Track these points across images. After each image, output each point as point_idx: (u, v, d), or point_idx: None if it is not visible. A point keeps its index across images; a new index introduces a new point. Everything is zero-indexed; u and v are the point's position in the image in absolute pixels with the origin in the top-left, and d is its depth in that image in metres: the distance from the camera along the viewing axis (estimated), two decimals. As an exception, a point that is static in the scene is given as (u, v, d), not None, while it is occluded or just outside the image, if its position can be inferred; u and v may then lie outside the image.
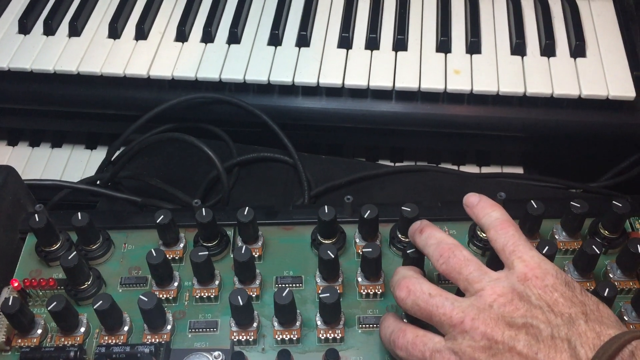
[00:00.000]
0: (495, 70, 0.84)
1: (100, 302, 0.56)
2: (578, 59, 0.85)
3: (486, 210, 0.58)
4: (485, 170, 0.97)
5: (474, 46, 0.87)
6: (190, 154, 0.90)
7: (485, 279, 0.52)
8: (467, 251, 0.55)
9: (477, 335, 0.49)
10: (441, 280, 0.63)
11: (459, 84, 0.84)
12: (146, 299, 0.56)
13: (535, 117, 0.85)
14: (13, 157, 1.04)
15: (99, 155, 1.03)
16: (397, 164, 0.98)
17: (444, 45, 0.88)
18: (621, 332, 0.46)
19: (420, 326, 0.54)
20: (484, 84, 0.83)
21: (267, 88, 0.88)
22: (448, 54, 0.87)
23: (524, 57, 0.86)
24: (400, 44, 0.89)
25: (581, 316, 0.48)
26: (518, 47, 0.86)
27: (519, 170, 0.97)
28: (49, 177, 0.99)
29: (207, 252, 0.60)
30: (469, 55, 0.87)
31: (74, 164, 1.02)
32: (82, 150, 1.04)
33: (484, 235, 0.64)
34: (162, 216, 0.62)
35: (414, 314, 0.54)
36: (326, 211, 0.63)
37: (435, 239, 0.56)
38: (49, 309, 0.56)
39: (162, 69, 0.88)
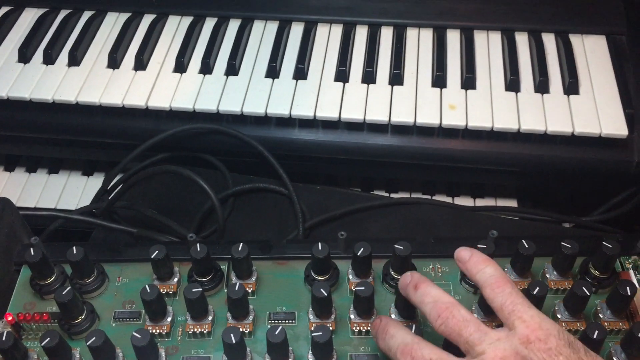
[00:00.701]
0: (490, 106, 0.85)
1: (94, 338, 0.56)
2: (571, 96, 0.86)
3: (479, 267, 0.57)
4: (480, 202, 0.98)
5: (469, 82, 0.88)
6: (186, 184, 0.90)
7: (487, 341, 0.51)
8: (465, 310, 0.54)
9: None
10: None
11: (454, 119, 0.85)
12: (139, 336, 0.56)
13: (529, 152, 0.86)
14: (10, 183, 1.04)
15: (95, 181, 1.04)
16: (392, 195, 0.99)
17: (439, 80, 0.89)
18: None
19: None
20: (479, 120, 0.84)
21: (264, 120, 0.89)
22: (443, 89, 0.88)
23: (518, 94, 0.87)
24: (396, 79, 0.90)
25: None
26: (512, 84, 0.87)
27: (513, 202, 0.98)
28: (46, 203, 1.00)
29: (201, 289, 0.60)
30: (464, 91, 0.88)
31: (71, 191, 1.03)
32: (79, 177, 1.05)
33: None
34: (157, 251, 0.63)
35: None
36: (320, 248, 0.64)
37: (431, 297, 0.55)
38: (42, 344, 0.56)
39: (161, 100, 0.89)
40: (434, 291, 0.56)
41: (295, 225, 0.85)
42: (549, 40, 0.93)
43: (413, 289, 0.57)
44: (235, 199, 0.90)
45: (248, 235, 0.86)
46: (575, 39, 0.93)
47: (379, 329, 0.58)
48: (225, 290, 0.66)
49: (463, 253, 0.59)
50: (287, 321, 0.64)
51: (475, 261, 0.58)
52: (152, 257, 0.63)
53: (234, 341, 0.56)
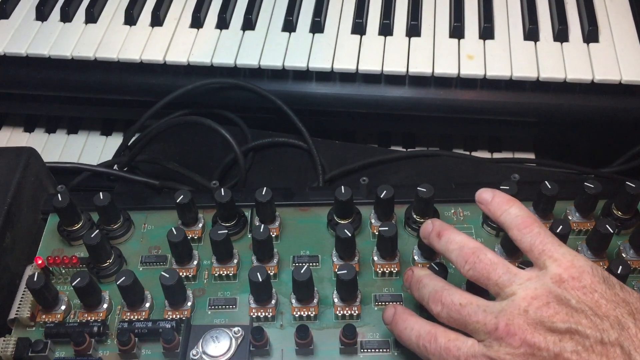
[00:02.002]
0: (509, 56, 0.85)
1: (123, 278, 0.57)
2: (591, 44, 0.85)
3: (503, 207, 0.55)
4: (497, 155, 0.98)
5: (487, 31, 0.88)
6: (204, 139, 0.91)
7: (517, 282, 0.50)
8: (492, 253, 0.53)
9: (515, 341, 0.47)
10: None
11: (472, 68, 0.84)
12: (168, 275, 0.57)
13: (547, 102, 0.85)
14: (29, 143, 1.05)
15: (114, 141, 1.04)
16: (408, 150, 0.99)
17: (457, 31, 0.88)
18: None
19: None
20: (498, 69, 0.84)
21: (282, 73, 0.89)
22: (461, 40, 0.88)
23: (537, 43, 0.86)
24: (413, 30, 0.89)
25: (628, 317, 0.46)
26: (531, 33, 0.87)
27: (531, 156, 0.98)
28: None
29: (226, 231, 0.61)
30: (482, 41, 0.87)
31: (90, 150, 1.04)
32: (98, 137, 1.06)
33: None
34: (182, 196, 0.64)
35: (451, 325, 0.52)
36: (343, 191, 0.64)
37: (456, 243, 0.54)
38: (73, 284, 0.57)
39: (178, 55, 0.89)
40: (458, 237, 0.55)
41: (314, 179, 0.85)
42: (568, -11, 0.92)
43: (436, 237, 0.56)
44: (255, 154, 0.90)
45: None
46: (594, -13, 0.92)
47: (412, 280, 0.57)
48: (249, 235, 0.67)
49: (485, 195, 0.57)
50: (311, 264, 0.65)
51: (498, 202, 0.56)
52: (178, 201, 0.63)
53: (260, 279, 0.57)
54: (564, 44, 0.86)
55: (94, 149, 1.04)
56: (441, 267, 0.59)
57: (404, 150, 0.99)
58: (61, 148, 1.04)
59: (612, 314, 0.46)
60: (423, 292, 0.55)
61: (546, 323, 0.47)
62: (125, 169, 0.87)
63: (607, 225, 0.60)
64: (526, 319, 0.48)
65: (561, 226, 0.60)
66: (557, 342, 0.46)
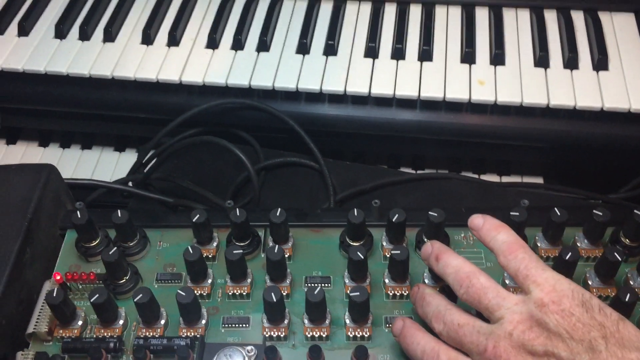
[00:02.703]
0: (519, 82, 0.86)
1: (141, 295, 0.58)
2: (600, 72, 0.87)
3: (492, 234, 0.57)
4: (506, 179, 0.99)
5: (498, 58, 0.89)
6: (217, 157, 0.92)
7: (505, 306, 0.53)
8: (484, 277, 0.55)
9: None
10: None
11: (483, 94, 0.86)
12: (184, 294, 0.58)
13: (557, 128, 0.87)
14: (44, 158, 1.07)
15: (127, 157, 1.06)
16: (418, 172, 1.01)
17: (468, 56, 0.90)
18: None
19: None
20: (508, 95, 0.85)
21: (295, 95, 0.91)
22: (472, 65, 0.90)
23: (547, 69, 0.88)
24: (425, 54, 0.91)
25: (601, 341, 0.48)
26: (541, 60, 0.88)
27: (539, 180, 0.99)
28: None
29: (241, 251, 0.62)
30: (493, 67, 0.89)
31: (103, 166, 1.05)
32: (111, 152, 1.07)
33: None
34: (198, 215, 0.65)
35: (449, 343, 0.55)
36: (356, 214, 0.65)
37: (452, 267, 0.57)
38: (91, 300, 0.58)
39: (194, 75, 0.91)
40: (454, 261, 0.57)
41: (325, 199, 0.86)
42: (578, 18, 0.94)
43: (435, 260, 0.59)
44: (266, 174, 0.91)
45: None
46: (604, 16, 0.93)
47: (416, 296, 0.60)
48: (263, 255, 0.68)
49: (476, 221, 0.59)
50: (323, 284, 0.66)
51: (487, 228, 0.58)
52: (194, 220, 0.65)
53: (274, 299, 0.58)
54: (574, 71, 0.87)
55: (107, 165, 1.05)
56: (452, 291, 0.60)
57: (414, 172, 1.00)
58: (75, 163, 1.06)
59: (587, 338, 0.48)
60: (427, 310, 0.58)
61: (527, 346, 0.50)
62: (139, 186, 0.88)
63: (615, 253, 0.61)
64: (510, 342, 0.51)
65: (570, 253, 0.61)
66: None
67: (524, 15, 0.96)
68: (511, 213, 0.65)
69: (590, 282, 0.64)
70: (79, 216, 0.64)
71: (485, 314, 0.54)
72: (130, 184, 0.89)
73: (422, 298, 0.59)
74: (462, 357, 0.54)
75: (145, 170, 0.88)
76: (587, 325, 0.49)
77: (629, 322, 0.50)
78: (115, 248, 0.62)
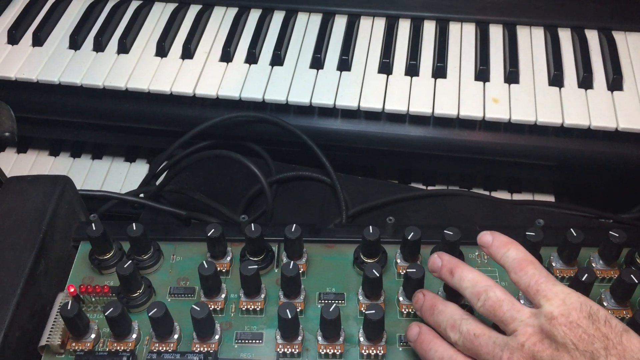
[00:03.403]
0: (533, 100, 0.87)
1: (155, 309, 0.58)
2: (615, 92, 0.87)
3: (501, 251, 0.58)
4: (517, 196, 0.99)
5: (512, 76, 0.89)
6: (229, 171, 0.92)
7: (518, 319, 0.54)
8: (500, 290, 0.56)
9: None
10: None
11: (497, 112, 0.86)
12: (199, 309, 0.58)
13: (570, 147, 0.86)
14: (54, 167, 1.07)
15: (137, 167, 1.06)
16: (429, 188, 1.00)
17: (482, 74, 0.90)
18: None
19: None
20: (522, 114, 0.85)
21: (308, 109, 0.91)
22: (486, 83, 0.90)
23: (562, 89, 0.88)
24: (439, 71, 0.91)
25: (602, 352, 0.50)
26: (556, 79, 0.88)
27: (551, 198, 0.99)
28: (90, 188, 1.02)
29: (256, 266, 0.62)
30: (507, 85, 0.89)
31: (114, 176, 1.05)
32: (122, 163, 1.08)
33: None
34: (213, 230, 0.65)
35: (465, 352, 0.56)
36: (371, 231, 0.65)
37: (468, 281, 0.58)
38: (106, 314, 0.58)
39: (208, 88, 0.91)
40: (470, 275, 0.58)
41: (336, 214, 0.86)
42: (592, 37, 0.94)
43: (449, 274, 0.59)
44: (278, 187, 0.91)
45: (290, 222, 0.87)
46: (618, 36, 0.94)
47: (424, 304, 0.60)
48: (276, 270, 0.68)
49: (485, 238, 0.60)
50: (336, 301, 0.65)
51: (497, 245, 0.59)
52: (209, 234, 0.64)
53: (289, 316, 0.58)
54: (589, 91, 0.87)
55: (117, 175, 1.06)
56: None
57: (425, 187, 1.00)
58: (85, 173, 1.06)
59: (590, 349, 0.50)
60: (440, 319, 0.59)
61: (536, 357, 0.52)
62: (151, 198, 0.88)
63: (632, 275, 0.61)
64: (522, 354, 0.52)
65: (586, 275, 0.61)
66: None
67: (539, 33, 0.96)
68: (527, 233, 0.65)
69: (605, 304, 0.64)
70: (94, 228, 0.64)
71: (500, 325, 0.56)
72: (142, 195, 0.89)
73: (434, 306, 0.60)
74: None
75: (160, 181, 0.88)
76: (592, 336, 0.51)
77: (634, 334, 0.52)
78: (130, 261, 0.61)
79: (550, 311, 0.53)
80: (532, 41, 0.95)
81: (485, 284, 0.57)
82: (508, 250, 0.58)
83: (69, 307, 0.58)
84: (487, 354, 0.54)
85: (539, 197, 0.99)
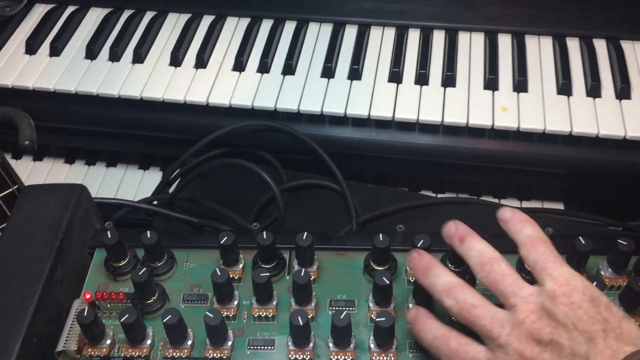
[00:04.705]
0: (542, 109, 0.87)
1: (170, 316, 0.59)
2: (623, 101, 0.87)
3: (517, 227, 0.59)
4: (526, 204, 1.00)
5: (521, 85, 0.90)
6: (241, 179, 0.94)
7: (520, 295, 0.55)
8: (505, 265, 0.57)
9: (511, 350, 0.53)
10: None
11: (506, 120, 0.87)
12: (212, 316, 0.59)
13: (578, 155, 0.87)
14: (70, 175, 1.09)
15: (151, 175, 1.08)
16: (438, 195, 1.01)
17: (491, 83, 0.91)
18: (637, 350, 0.49)
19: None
20: (531, 122, 0.86)
21: (319, 118, 0.92)
22: (495, 92, 0.91)
23: (570, 97, 0.89)
24: (449, 80, 0.92)
25: (601, 333, 0.50)
26: (564, 87, 0.89)
27: (560, 205, 0.99)
28: (104, 195, 1.04)
29: (268, 274, 0.63)
30: (516, 94, 0.90)
31: (128, 184, 1.07)
32: (136, 171, 1.09)
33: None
34: (226, 237, 0.66)
35: (458, 320, 0.57)
36: (381, 239, 0.66)
37: (476, 250, 0.59)
38: (121, 320, 0.59)
39: (221, 97, 0.92)
40: (479, 245, 0.59)
41: (346, 222, 0.87)
42: (600, 46, 0.95)
43: (459, 242, 0.60)
44: (289, 195, 0.92)
45: (301, 230, 0.89)
46: (626, 45, 0.94)
47: (419, 264, 0.61)
48: (288, 278, 0.69)
49: (505, 213, 0.61)
50: (347, 308, 0.66)
51: (515, 221, 0.60)
52: (222, 242, 0.66)
53: (301, 323, 0.59)
54: (597, 99, 0.88)
55: (131, 182, 1.08)
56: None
57: (434, 195, 1.01)
58: (100, 180, 1.08)
59: (589, 330, 0.51)
60: (434, 282, 0.59)
61: (535, 335, 0.52)
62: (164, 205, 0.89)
63: (640, 283, 0.62)
64: (521, 330, 0.53)
65: (595, 283, 0.61)
66: (540, 352, 0.52)
67: (547, 42, 0.97)
68: None
69: (614, 312, 0.65)
70: (109, 236, 0.65)
71: (500, 299, 0.56)
72: (156, 202, 0.90)
73: (428, 268, 0.60)
74: (473, 343, 0.56)
75: (174, 189, 0.89)
76: (592, 318, 0.51)
77: (632, 321, 0.52)
78: (145, 269, 0.63)
79: (553, 290, 0.53)
80: (540, 50, 0.96)
81: (492, 255, 0.58)
82: (524, 227, 0.59)
83: (85, 314, 0.59)
84: (484, 326, 0.54)
85: (548, 205, 1.00)
